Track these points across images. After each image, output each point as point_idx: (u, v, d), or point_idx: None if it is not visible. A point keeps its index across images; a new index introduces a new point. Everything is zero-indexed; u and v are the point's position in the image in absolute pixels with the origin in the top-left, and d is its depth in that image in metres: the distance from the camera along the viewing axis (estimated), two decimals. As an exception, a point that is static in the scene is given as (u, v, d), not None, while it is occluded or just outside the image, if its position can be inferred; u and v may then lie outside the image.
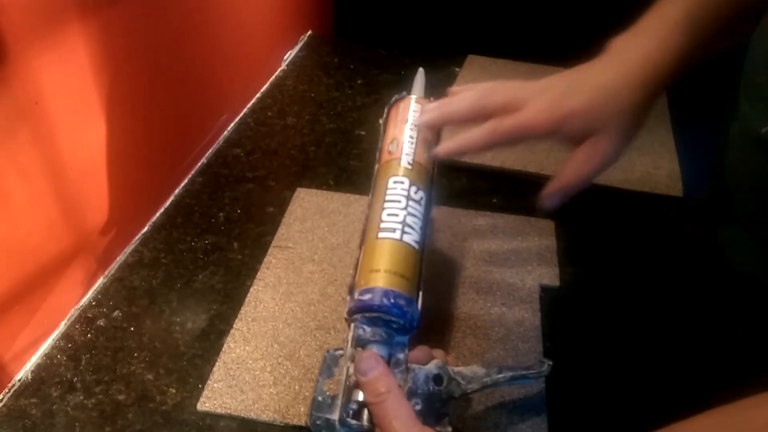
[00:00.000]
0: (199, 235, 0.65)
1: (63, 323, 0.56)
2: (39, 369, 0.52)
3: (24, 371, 0.52)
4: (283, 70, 0.95)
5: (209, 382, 0.50)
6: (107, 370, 0.51)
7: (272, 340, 0.53)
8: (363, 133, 0.81)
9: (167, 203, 0.69)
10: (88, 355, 0.53)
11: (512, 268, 0.61)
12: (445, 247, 0.63)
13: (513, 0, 1.05)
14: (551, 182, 0.47)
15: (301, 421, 0.48)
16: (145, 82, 0.63)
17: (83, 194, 0.56)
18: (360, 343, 0.40)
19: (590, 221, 0.69)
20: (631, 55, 0.46)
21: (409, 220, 0.43)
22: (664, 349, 0.55)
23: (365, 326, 0.40)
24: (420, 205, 0.45)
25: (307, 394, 0.49)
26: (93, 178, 0.57)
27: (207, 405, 0.48)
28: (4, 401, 0.49)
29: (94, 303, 0.57)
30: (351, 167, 0.75)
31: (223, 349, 0.53)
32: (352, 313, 0.41)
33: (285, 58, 0.98)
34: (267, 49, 0.93)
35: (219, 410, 0.48)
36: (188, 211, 0.68)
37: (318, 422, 0.39)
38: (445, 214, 0.67)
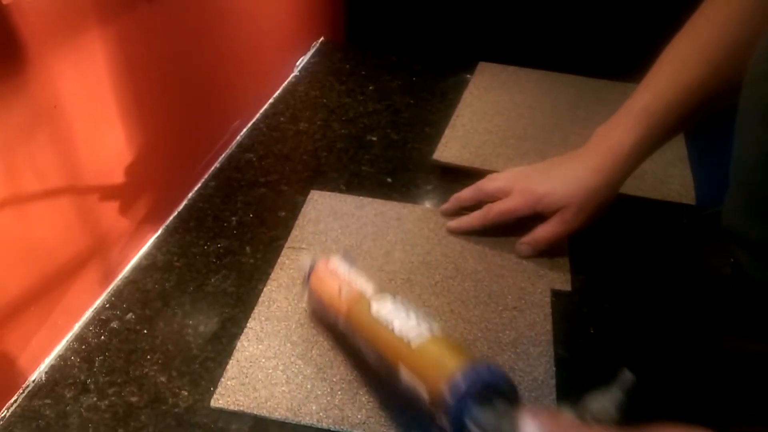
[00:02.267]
0: (212, 239, 0.65)
1: (77, 325, 0.56)
2: (53, 370, 0.52)
3: (38, 372, 0.52)
4: (296, 76, 0.96)
5: (223, 379, 0.50)
6: (120, 372, 0.52)
7: (285, 340, 0.54)
8: (374, 138, 0.82)
9: (180, 207, 0.69)
10: (101, 357, 0.53)
11: (524, 273, 0.61)
12: (457, 251, 0.63)
13: (524, 7, 1.06)
14: (526, 236, 0.62)
15: (313, 419, 0.48)
16: (161, 87, 0.63)
17: (99, 197, 0.57)
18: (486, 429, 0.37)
19: (602, 227, 0.68)
20: (600, 149, 0.59)
21: (413, 316, 0.46)
22: (675, 356, 0.54)
23: (478, 415, 0.38)
24: (401, 302, 0.48)
25: (319, 393, 0.50)
26: (108, 181, 0.58)
27: (221, 402, 0.49)
28: (18, 402, 0.50)
29: (107, 305, 0.58)
30: (362, 172, 0.75)
31: (237, 348, 0.53)
32: (455, 411, 0.38)
33: (297, 64, 0.98)
34: (280, 55, 0.94)
35: (232, 407, 0.48)
36: (201, 215, 0.68)
37: None
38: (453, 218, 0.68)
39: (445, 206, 0.68)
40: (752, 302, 0.50)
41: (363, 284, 0.50)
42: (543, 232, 0.61)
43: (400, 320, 0.45)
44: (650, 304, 0.60)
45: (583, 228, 0.61)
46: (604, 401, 0.39)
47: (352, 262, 0.53)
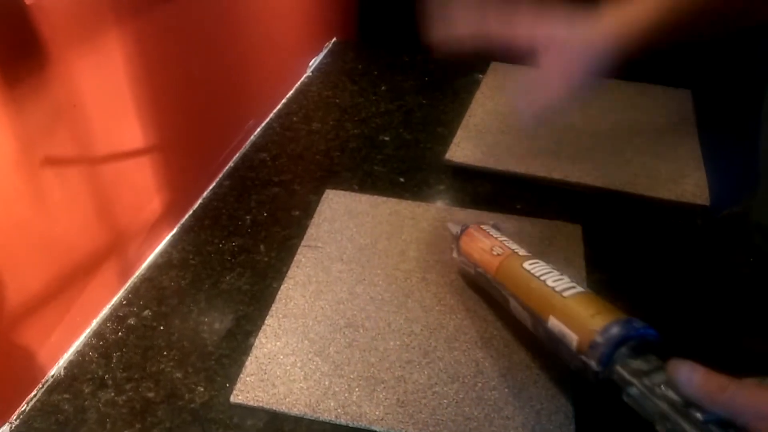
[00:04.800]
0: (227, 238, 0.66)
1: (95, 321, 0.57)
2: (71, 366, 0.53)
3: (57, 368, 0.53)
4: (309, 76, 0.97)
5: (242, 375, 0.51)
6: (137, 368, 0.52)
7: (302, 337, 0.54)
8: (387, 138, 0.82)
9: (196, 206, 0.70)
10: (118, 353, 0.54)
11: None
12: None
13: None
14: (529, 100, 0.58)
15: (331, 416, 0.48)
16: (177, 87, 0.64)
17: (116, 195, 0.57)
18: (636, 375, 0.40)
19: (617, 228, 0.69)
20: (611, 19, 0.54)
21: (565, 275, 0.50)
22: (694, 356, 0.54)
23: (630, 362, 0.41)
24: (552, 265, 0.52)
25: (337, 389, 0.50)
26: (126, 179, 0.59)
27: (240, 398, 0.49)
28: (37, 396, 0.50)
29: (125, 302, 0.58)
30: (375, 172, 0.76)
31: (255, 344, 0.53)
32: (606, 357, 0.42)
33: (310, 64, 0.99)
34: (293, 55, 0.95)
35: (251, 403, 0.49)
36: (216, 214, 0.69)
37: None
38: (472, 217, 0.67)
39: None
40: None
41: (515, 246, 0.55)
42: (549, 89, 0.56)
43: (553, 276, 0.49)
44: (666, 304, 0.60)
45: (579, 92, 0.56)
46: None
47: (502, 231, 0.58)
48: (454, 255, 0.59)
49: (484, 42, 0.57)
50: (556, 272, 0.50)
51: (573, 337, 0.45)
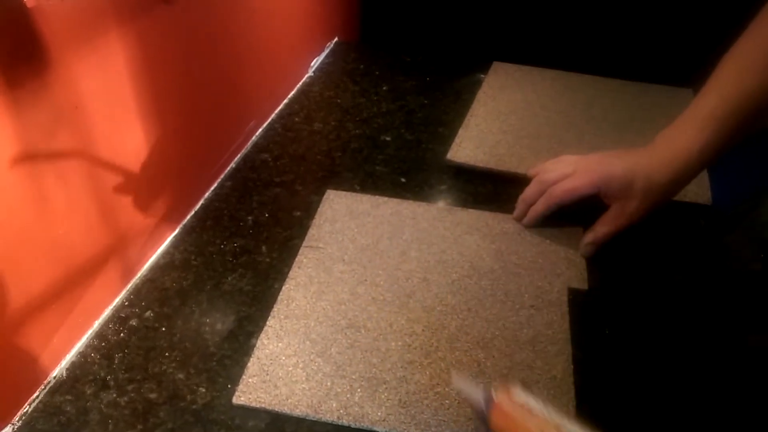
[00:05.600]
0: (228, 238, 0.66)
1: (97, 322, 0.57)
2: (73, 367, 0.53)
3: (59, 369, 0.53)
4: (310, 76, 0.97)
5: (244, 377, 0.51)
6: (139, 369, 0.52)
7: (304, 338, 0.54)
8: (388, 138, 0.82)
9: (197, 206, 0.70)
10: (120, 354, 0.54)
11: (541, 271, 0.61)
12: (473, 250, 0.63)
13: (538, 7, 1.06)
14: (587, 236, 0.62)
15: (333, 417, 0.48)
16: (178, 88, 0.64)
17: (118, 197, 0.58)
18: None
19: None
20: (666, 150, 0.58)
21: None
22: (693, 355, 0.54)
23: None
24: None
25: (339, 390, 0.50)
26: (127, 181, 0.59)
27: (242, 399, 0.49)
28: (39, 398, 0.50)
29: (126, 303, 0.58)
30: (377, 172, 0.76)
31: (257, 346, 0.53)
32: None
33: (312, 64, 0.99)
34: (294, 56, 0.95)
35: (254, 404, 0.49)
36: (217, 215, 0.69)
37: None
38: (474, 217, 0.68)
39: (516, 213, 0.67)
40: None
41: (572, 428, 0.41)
42: (604, 225, 0.61)
43: None
44: (668, 302, 0.59)
45: (637, 222, 0.60)
46: None
47: (535, 396, 0.43)
48: None
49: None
50: None
51: None
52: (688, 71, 0.93)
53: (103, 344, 0.55)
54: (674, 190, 0.60)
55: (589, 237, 0.62)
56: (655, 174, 0.58)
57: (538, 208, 0.64)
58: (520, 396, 0.43)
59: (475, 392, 0.44)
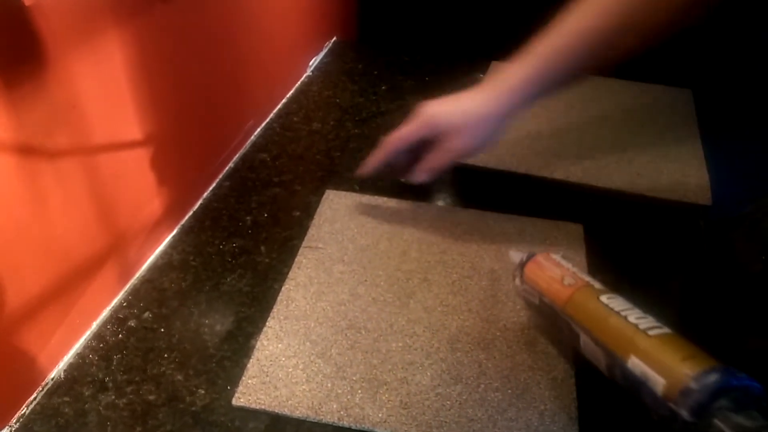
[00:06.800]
0: (227, 239, 0.65)
1: (95, 324, 0.56)
2: (71, 368, 0.52)
3: (57, 370, 0.52)
4: (309, 76, 0.96)
5: (244, 378, 0.51)
6: (138, 371, 0.52)
7: (304, 339, 0.54)
8: (388, 138, 0.82)
9: (196, 207, 0.70)
10: (119, 356, 0.53)
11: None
12: (473, 250, 0.63)
13: (536, 7, 1.05)
14: (420, 163, 0.63)
15: (334, 418, 0.48)
16: (176, 88, 0.64)
17: (116, 197, 0.57)
18: None
19: (619, 228, 0.68)
20: (494, 82, 0.62)
21: (649, 314, 0.46)
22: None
23: (731, 416, 0.37)
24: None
25: (339, 391, 0.50)
26: (125, 181, 0.58)
27: (242, 400, 0.49)
28: (37, 399, 0.50)
29: (125, 304, 0.58)
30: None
31: (257, 347, 0.53)
32: (700, 407, 0.38)
33: (310, 64, 0.99)
34: (293, 55, 0.94)
35: (254, 405, 0.49)
36: (216, 215, 0.68)
37: None
38: (474, 218, 0.67)
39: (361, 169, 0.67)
40: None
41: (588, 278, 0.51)
42: (434, 157, 0.63)
43: (636, 313, 0.46)
44: (667, 304, 0.59)
45: (471, 154, 0.64)
46: None
47: (571, 263, 0.54)
48: (516, 282, 0.55)
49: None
50: (638, 310, 0.46)
51: (659, 381, 0.41)
52: (688, 71, 0.93)
53: (102, 345, 0.54)
54: (497, 121, 0.62)
55: (422, 166, 0.63)
56: (481, 108, 0.61)
57: (378, 154, 0.65)
58: (555, 257, 0.54)
59: (519, 255, 0.55)
